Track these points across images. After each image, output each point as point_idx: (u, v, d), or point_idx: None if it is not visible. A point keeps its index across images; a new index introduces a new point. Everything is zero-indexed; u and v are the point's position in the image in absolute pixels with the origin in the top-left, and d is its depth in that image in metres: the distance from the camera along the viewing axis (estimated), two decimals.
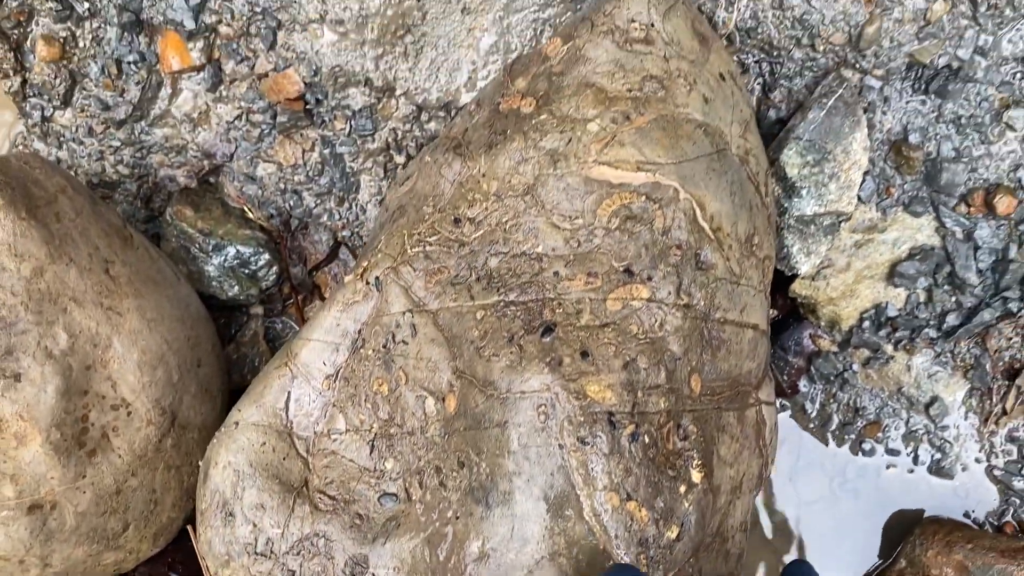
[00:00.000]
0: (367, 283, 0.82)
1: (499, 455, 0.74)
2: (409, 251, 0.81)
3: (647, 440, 0.73)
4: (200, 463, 1.04)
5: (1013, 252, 0.99)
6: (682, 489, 0.74)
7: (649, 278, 0.76)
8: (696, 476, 0.75)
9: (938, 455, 1.08)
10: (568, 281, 0.76)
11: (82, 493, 0.94)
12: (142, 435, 0.96)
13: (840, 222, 0.98)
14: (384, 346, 0.82)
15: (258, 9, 1.00)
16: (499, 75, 0.91)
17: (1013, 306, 1.01)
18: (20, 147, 1.13)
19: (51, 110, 1.09)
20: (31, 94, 1.08)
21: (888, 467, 1.10)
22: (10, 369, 0.86)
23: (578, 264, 0.76)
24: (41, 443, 0.89)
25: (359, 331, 0.83)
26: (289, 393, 0.85)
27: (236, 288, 1.07)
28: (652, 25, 0.82)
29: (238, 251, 1.06)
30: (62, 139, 1.10)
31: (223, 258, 1.06)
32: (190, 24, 1.02)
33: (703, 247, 0.79)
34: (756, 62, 0.97)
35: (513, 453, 0.73)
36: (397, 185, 0.88)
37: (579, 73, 0.81)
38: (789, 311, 1.08)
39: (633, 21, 0.81)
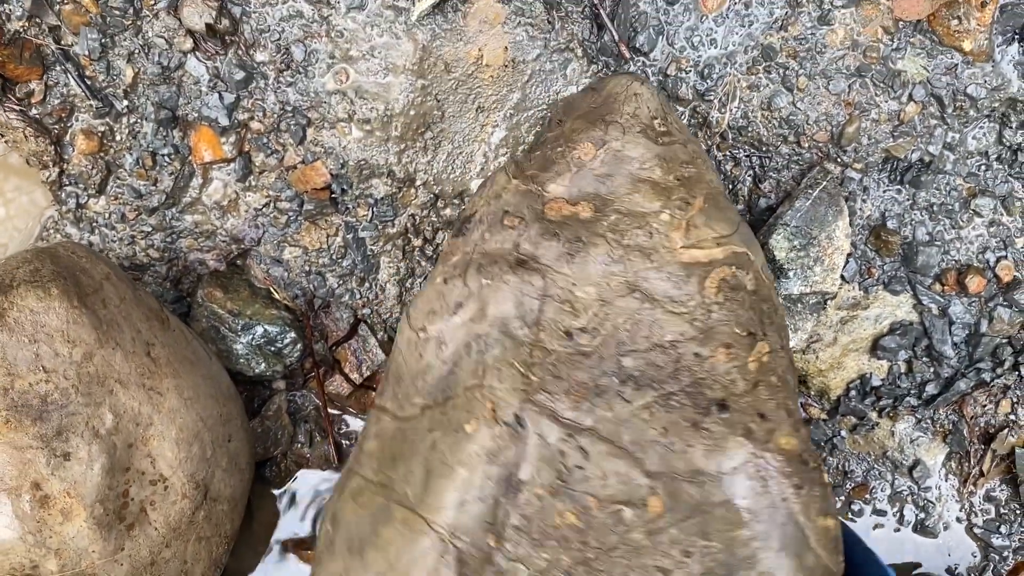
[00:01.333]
0: (506, 424, 0.81)
1: (731, 529, 0.81)
2: (533, 378, 0.81)
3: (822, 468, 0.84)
4: (227, 533, 1.09)
5: (984, 327, 1.08)
6: None
7: (765, 334, 0.85)
8: None
9: (922, 515, 1.15)
10: (712, 359, 0.84)
11: (120, 565, 0.98)
12: (177, 508, 1.01)
13: (825, 301, 1.07)
14: (559, 479, 0.81)
15: (289, 108, 1.08)
16: (500, 184, 0.92)
17: (986, 376, 1.09)
18: (51, 231, 1.19)
19: (86, 198, 1.15)
20: (67, 183, 1.15)
21: (875, 527, 1.17)
22: (61, 449, 0.91)
23: (710, 341, 0.84)
24: (85, 519, 0.93)
25: (511, 476, 0.81)
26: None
27: (263, 365, 1.13)
28: (666, 117, 0.91)
29: (265, 330, 1.12)
30: (95, 224, 1.16)
31: (251, 337, 1.12)
32: (224, 121, 1.09)
33: (769, 295, 0.89)
34: (747, 156, 1.07)
35: (746, 523, 0.80)
36: (445, 316, 0.86)
37: (627, 171, 0.87)
38: None
39: (655, 117, 0.90)
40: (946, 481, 1.15)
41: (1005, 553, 1.14)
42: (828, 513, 0.84)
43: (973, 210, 1.07)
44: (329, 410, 1.19)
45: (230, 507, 1.08)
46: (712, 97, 1.03)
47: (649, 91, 0.92)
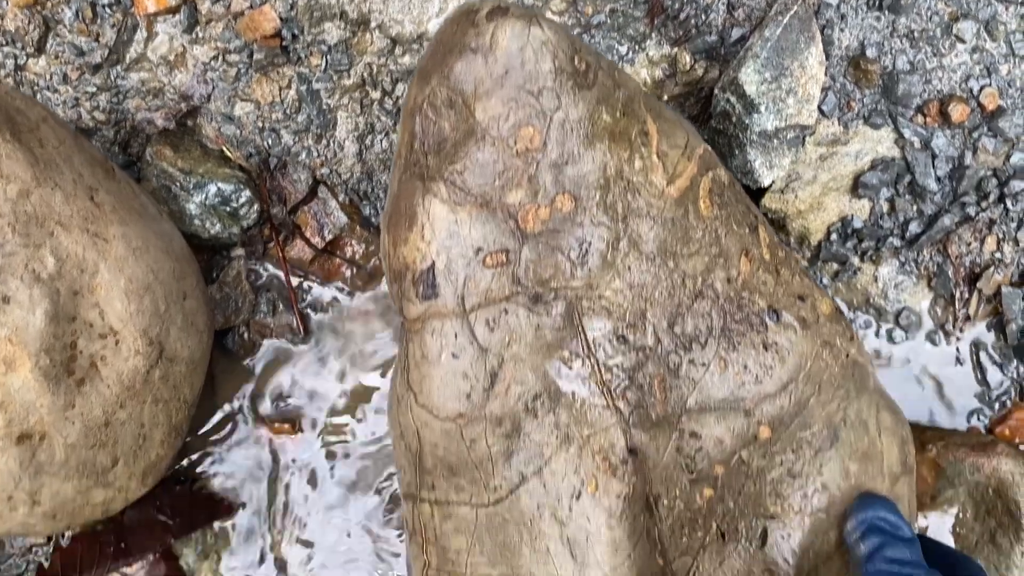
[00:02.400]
0: (623, 463, 0.77)
1: (823, 406, 0.85)
2: (619, 403, 0.78)
3: None
4: (187, 397, 1.05)
5: (968, 159, 1.04)
6: None
7: (755, 215, 0.89)
8: None
9: (911, 363, 1.12)
10: (740, 274, 0.83)
11: (71, 424, 0.94)
12: (130, 365, 0.96)
13: (804, 136, 1.03)
14: (688, 471, 0.82)
15: None
16: (445, 219, 0.75)
17: (971, 211, 1.05)
18: None
19: (24, 58, 1.09)
20: (3, 42, 1.09)
21: None
22: None
23: (729, 257, 0.83)
24: (31, 368, 0.89)
25: (647, 499, 0.80)
26: None
27: (218, 226, 1.08)
28: (577, 48, 0.77)
29: (219, 188, 1.07)
30: (36, 87, 1.10)
31: (204, 196, 1.07)
32: None
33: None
34: None
35: (829, 391, 0.85)
36: (480, 392, 0.77)
37: (580, 135, 0.75)
38: None
39: (572, 58, 0.75)
40: (932, 327, 1.11)
41: (993, 396, 1.11)
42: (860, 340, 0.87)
43: (955, 35, 1.02)
44: (292, 277, 1.14)
45: (188, 369, 1.04)
46: None
47: (553, 31, 0.75)
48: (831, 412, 0.84)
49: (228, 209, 1.08)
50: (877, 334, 1.12)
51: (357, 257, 1.15)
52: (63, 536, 1.08)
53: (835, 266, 1.10)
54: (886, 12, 1.02)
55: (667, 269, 0.78)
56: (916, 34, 1.02)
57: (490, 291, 0.75)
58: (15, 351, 0.88)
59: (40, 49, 1.08)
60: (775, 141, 1.01)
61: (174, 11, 1.06)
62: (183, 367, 1.03)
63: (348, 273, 1.15)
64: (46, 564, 1.06)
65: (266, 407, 1.16)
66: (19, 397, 0.89)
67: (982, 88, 1.03)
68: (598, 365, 0.76)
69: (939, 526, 1.07)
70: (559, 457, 0.76)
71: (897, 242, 1.08)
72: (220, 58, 1.07)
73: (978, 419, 1.12)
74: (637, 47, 1.05)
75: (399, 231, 0.78)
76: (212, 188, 1.07)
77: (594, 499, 0.75)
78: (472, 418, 0.76)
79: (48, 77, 1.10)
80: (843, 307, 1.11)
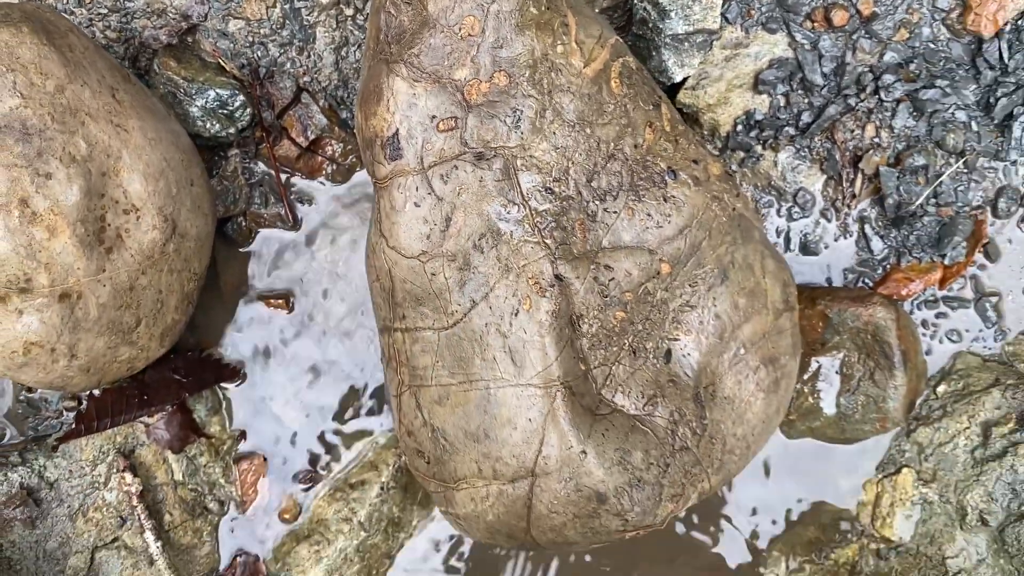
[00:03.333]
0: (551, 287, 0.97)
1: (714, 248, 1.06)
2: (548, 240, 0.98)
3: None
4: (196, 270, 1.24)
5: (849, 57, 1.24)
6: None
7: (660, 96, 1.09)
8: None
9: (805, 237, 1.33)
10: (645, 141, 1.03)
11: (102, 286, 1.13)
12: (149, 238, 1.15)
13: (711, 40, 1.22)
14: (603, 295, 1.01)
15: None
16: (405, 92, 0.95)
17: (852, 102, 1.26)
18: None
19: None
20: None
21: None
22: (42, 169, 1.05)
23: (636, 127, 1.03)
24: (69, 236, 1.07)
25: (572, 316, 1.00)
26: None
27: (217, 126, 1.26)
28: None
29: (217, 94, 1.25)
30: (55, 10, 1.27)
31: (205, 100, 1.25)
32: None
33: (637, 61, 1.10)
34: None
35: (720, 236, 1.07)
36: (438, 233, 0.98)
37: (511, 24, 0.94)
38: None
39: None
40: (825, 204, 1.32)
41: (876, 261, 1.32)
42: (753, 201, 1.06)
43: None
44: (281, 173, 1.33)
45: (197, 245, 1.23)
46: None
47: None
48: (721, 254, 1.05)
49: (225, 112, 1.26)
50: (779, 213, 1.32)
51: (336, 155, 1.34)
52: (94, 392, 1.27)
53: (741, 154, 1.30)
54: None
55: (585, 135, 0.98)
56: None
57: (443, 151, 0.94)
58: (56, 220, 1.07)
59: None
60: (686, 44, 1.20)
61: None
62: (192, 243, 1.22)
63: (329, 169, 1.34)
64: (83, 411, 1.26)
65: (263, 286, 1.36)
66: (60, 260, 1.08)
67: None
68: (530, 210, 0.96)
69: (829, 367, 1.28)
70: (501, 284, 0.96)
71: (792, 131, 1.28)
72: None
73: (863, 281, 1.33)
74: None
75: (369, 106, 0.97)
76: (211, 94, 1.25)
77: (529, 315, 0.96)
78: (432, 255, 0.97)
79: (65, 1, 1.27)
80: (749, 189, 1.32)
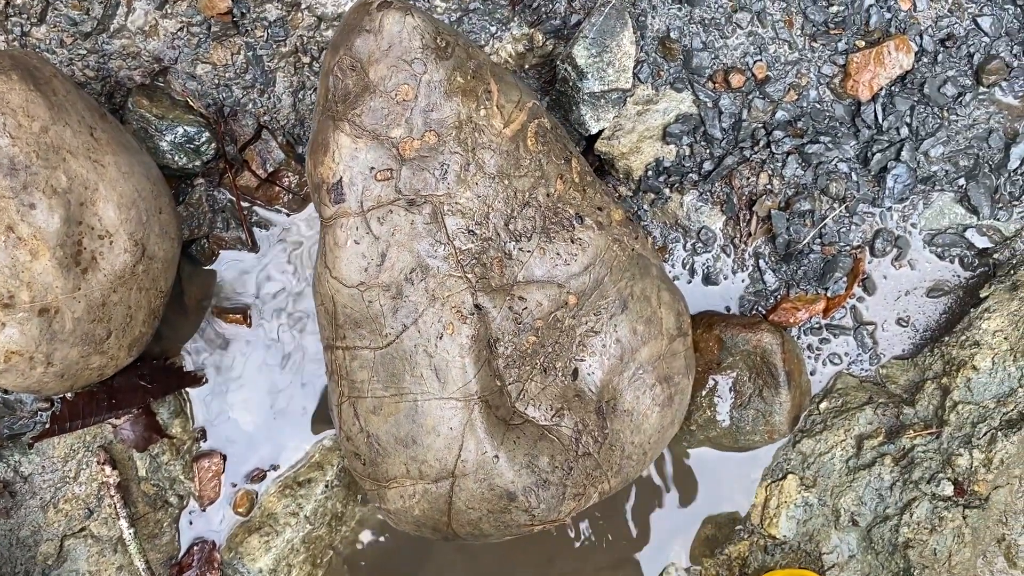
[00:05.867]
0: (471, 314, 1.14)
1: (616, 281, 1.23)
2: (469, 275, 1.15)
3: None
4: (163, 288, 1.38)
5: (745, 115, 1.42)
6: None
7: (571, 152, 1.26)
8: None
9: (707, 269, 1.51)
10: (556, 191, 1.20)
11: (78, 302, 1.27)
12: (121, 260, 1.30)
13: (625, 97, 1.39)
14: (516, 322, 1.17)
15: None
16: (348, 147, 1.10)
17: (747, 153, 1.44)
18: None
19: (29, 27, 1.40)
20: (12, 14, 1.39)
21: (675, 279, 1.51)
22: (27, 200, 1.19)
23: (549, 179, 1.20)
24: (49, 258, 1.21)
25: (489, 340, 1.16)
26: None
27: (184, 159, 1.41)
28: (440, 31, 1.12)
29: (185, 130, 1.40)
30: (38, 50, 1.41)
31: (174, 136, 1.40)
32: None
33: (554, 121, 1.27)
34: None
35: (620, 272, 1.24)
36: (375, 266, 1.14)
37: (441, 91, 1.10)
38: (596, 168, 1.49)
39: (436, 37, 1.10)
40: (724, 241, 1.49)
41: (769, 292, 1.50)
42: (652, 242, 1.23)
43: (735, 23, 1.39)
44: (242, 201, 1.48)
45: (164, 266, 1.37)
46: None
47: (422, 19, 1.10)
48: (621, 288, 1.22)
49: (192, 147, 1.41)
50: (684, 247, 1.50)
51: (292, 186, 1.49)
52: (67, 396, 1.41)
53: (652, 196, 1.47)
54: (685, 4, 1.38)
55: (504, 185, 1.14)
56: (707, 21, 1.39)
57: (380, 197, 1.10)
58: (38, 244, 1.20)
59: (42, 19, 1.39)
60: (602, 100, 1.38)
61: None
62: (160, 264, 1.36)
63: (285, 198, 1.49)
64: (57, 413, 1.39)
65: (222, 302, 1.51)
66: (40, 279, 1.22)
67: (755, 62, 1.41)
68: (455, 249, 1.12)
69: (724, 384, 1.46)
70: (428, 311, 1.12)
71: (696, 177, 1.45)
72: (185, 29, 1.40)
73: (757, 310, 1.51)
74: (503, 27, 1.40)
75: (317, 156, 1.12)
76: (180, 130, 1.40)
77: (452, 338, 1.12)
78: (369, 285, 1.12)
79: (48, 42, 1.41)
80: (659, 227, 1.49)
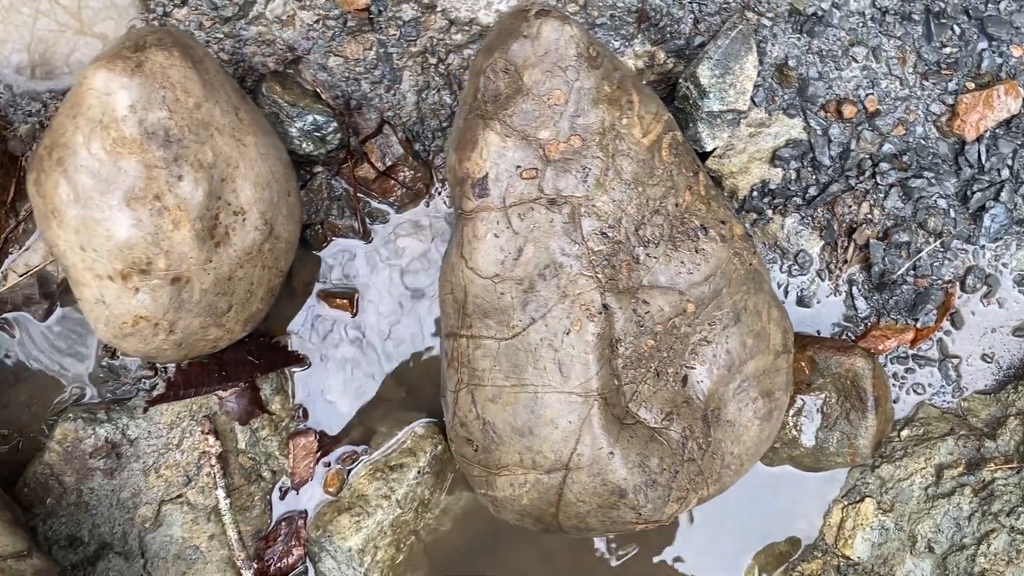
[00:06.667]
0: (599, 314, 1.18)
1: (732, 293, 1.27)
2: (600, 276, 1.20)
3: None
4: (282, 268, 1.43)
5: (853, 145, 1.47)
6: None
7: (698, 166, 1.32)
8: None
9: (801, 292, 1.55)
10: (684, 201, 1.26)
11: (207, 274, 1.32)
12: (251, 237, 1.34)
13: (739, 119, 1.44)
14: (639, 325, 1.21)
15: None
16: (497, 144, 1.16)
17: (852, 182, 1.48)
18: None
19: (171, 8, 1.46)
20: None
21: None
22: (176, 171, 1.24)
23: (678, 189, 1.25)
24: (189, 229, 1.26)
25: (612, 339, 1.21)
26: None
27: (311, 146, 1.46)
28: (591, 42, 1.19)
29: (315, 119, 1.45)
30: (192, 37, 1.46)
31: (304, 123, 1.45)
32: None
33: (683, 137, 1.33)
34: (689, 2, 1.42)
35: (738, 284, 1.29)
36: (512, 260, 1.18)
37: (589, 99, 1.16)
38: None
39: (589, 46, 1.17)
40: (821, 265, 1.54)
41: (859, 319, 1.54)
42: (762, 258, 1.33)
43: (851, 56, 1.44)
44: (358, 191, 1.53)
45: (286, 247, 1.42)
46: None
47: (577, 28, 1.16)
48: (736, 301, 1.26)
49: (319, 135, 1.46)
50: (781, 269, 1.54)
51: (407, 180, 1.54)
52: (182, 365, 1.46)
53: (754, 216, 1.52)
54: (804, 35, 1.43)
55: (637, 192, 1.19)
56: (824, 52, 1.44)
57: (523, 194, 1.15)
58: (181, 215, 1.25)
59: (184, 2, 1.45)
60: (718, 120, 1.42)
61: None
62: (283, 245, 1.41)
63: (399, 192, 1.54)
64: (172, 380, 1.44)
65: (329, 287, 1.55)
66: (178, 249, 1.27)
67: (867, 95, 1.45)
68: (588, 249, 1.17)
69: (812, 405, 1.50)
70: (557, 307, 1.17)
71: (799, 201, 1.50)
72: (321, 22, 1.45)
73: (846, 335, 1.55)
74: (627, 43, 1.45)
75: (464, 151, 1.17)
76: (309, 118, 1.45)
77: (578, 335, 1.17)
78: (504, 278, 1.17)
79: (187, 24, 1.46)
80: (759, 246, 1.54)
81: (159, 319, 1.31)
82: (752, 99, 1.44)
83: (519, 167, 1.15)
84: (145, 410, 1.44)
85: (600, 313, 1.16)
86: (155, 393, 1.48)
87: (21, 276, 1.46)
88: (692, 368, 1.25)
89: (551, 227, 1.15)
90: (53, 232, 1.26)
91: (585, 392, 1.17)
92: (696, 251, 1.22)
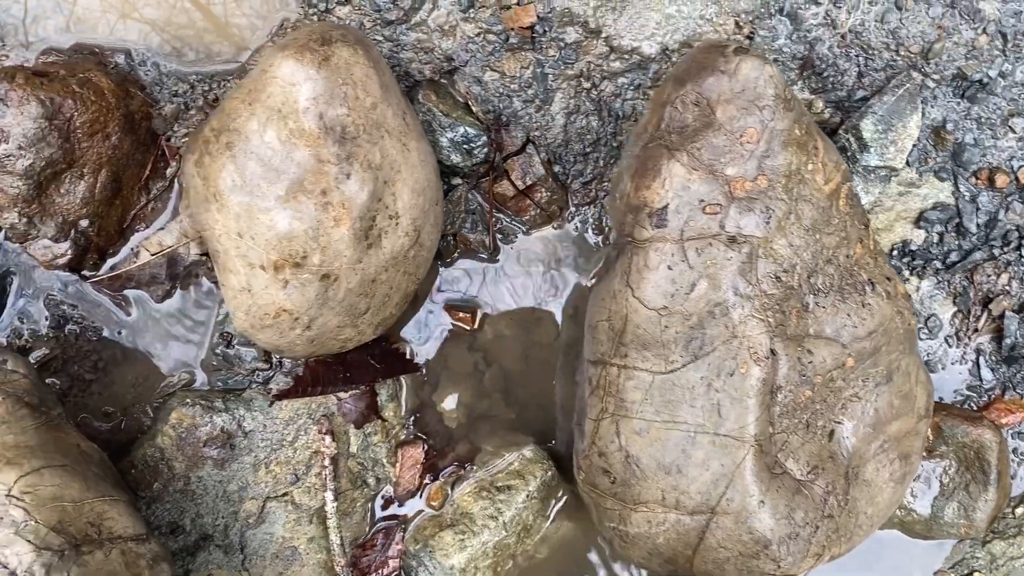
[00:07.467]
0: (766, 359, 1.15)
1: (889, 352, 1.26)
2: (770, 320, 1.18)
3: None
4: (420, 276, 1.42)
5: (1001, 215, 1.46)
6: None
7: (867, 219, 1.30)
8: None
9: (928, 357, 1.53)
10: (855, 253, 1.24)
11: (355, 274, 1.30)
12: (399, 242, 1.33)
13: (892, 176, 1.43)
14: (801, 374, 1.19)
15: None
16: (681, 176, 1.15)
17: (996, 252, 1.47)
18: (288, 30, 1.49)
19: (334, 4, 1.46)
20: None
21: None
22: (346, 169, 1.23)
23: (850, 241, 1.24)
24: (348, 228, 1.25)
25: (773, 386, 1.18)
26: None
27: (458, 158, 1.46)
28: (785, 85, 1.19)
29: (466, 131, 1.45)
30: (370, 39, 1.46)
31: (455, 134, 1.45)
32: None
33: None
34: (856, 55, 1.42)
35: (894, 342, 1.26)
36: (683, 294, 1.15)
37: (780, 141, 1.15)
38: None
39: (785, 88, 1.17)
40: (951, 331, 1.52)
41: (984, 389, 1.52)
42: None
43: (1010, 127, 1.44)
44: (493, 207, 1.52)
45: (427, 255, 1.41)
46: (842, 5, 1.38)
47: (775, 70, 1.15)
48: (891, 360, 1.25)
49: (467, 147, 1.45)
50: None
51: (543, 202, 1.53)
52: (309, 361, 1.44)
53: None
54: (965, 100, 1.43)
55: (814, 239, 1.18)
56: (982, 119, 1.43)
57: (703, 229, 1.14)
58: (343, 213, 1.24)
59: (348, 0, 1.45)
60: (872, 175, 1.42)
61: None
62: (424, 253, 1.40)
63: (533, 212, 1.53)
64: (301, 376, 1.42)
65: (453, 299, 1.54)
66: (334, 246, 1.26)
67: (1021, 167, 1.44)
68: (761, 292, 1.15)
69: (932, 471, 1.48)
70: (722, 347, 1.15)
71: (939, 265, 1.49)
72: (482, 36, 1.45)
73: (968, 404, 1.53)
74: None
75: (644, 180, 1.16)
76: (461, 130, 1.44)
77: (742, 378, 1.15)
78: (672, 311, 1.15)
79: (347, 22, 1.46)
80: None
81: (301, 314, 1.30)
82: (906, 158, 1.43)
83: (702, 201, 1.14)
84: (271, 403, 1.43)
85: (767, 358, 1.15)
86: (274, 386, 1.46)
87: (153, 255, 1.45)
88: (840, 423, 1.23)
89: (728, 265, 1.14)
90: (211, 215, 1.25)
91: (741, 437, 1.15)
92: (862, 305, 1.21)
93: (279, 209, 1.22)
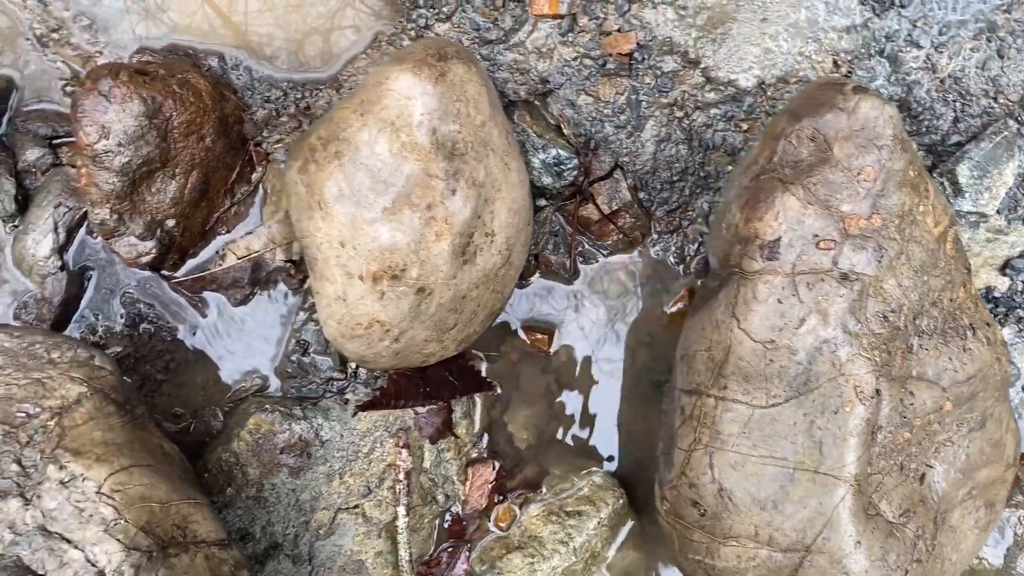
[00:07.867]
0: (871, 398, 1.15)
1: (986, 398, 1.25)
2: (876, 359, 1.16)
3: None
4: (506, 294, 1.41)
5: None
6: None
7: (969, 264, 1.30)
8: None
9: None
10: (958, 297, 1.25)
11: (449, 290, 1.30)
12: (492, 261, 1.33)
13: (981, 222, 1.43)
14: (902, 415, 1.19)
15: None
16: (796, 209, 1.15)
17: None
18: (383, 45, 1.50)
19: (433, 21, 1.47)
20: (421, 5, 1.46)
21: None
22: (452, 185, 1.23)
23: (954, 285, 1.24)
24: (448, 243, 1.25)
25: (874, 427, 1.17)
26: None
27: (549, 179, 1.46)
28: (902, 127, 1.21)
29: (559, 153, 1.45)
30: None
31: (547, 156, 1.45)
32: None
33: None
34: (954, 100, 1.42)
35: (989, 388, 1.26)
36: (792, 329, 1.15)
37: (895, 181, 1.15)
38: None
39: (902, 129, 1.19)
40: None
41: None
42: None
43: None
44: (576, 231, 1.52)
45: (515, 275, 1.41)
46: (944, 50, 1.39)
47: (894, 110, 1.16)
48: (986, 406, 1.24)
49: (558, 169, 1.46)
50: None
51: (626, 227, 1.53)
52: (392, 374, 1.43)
53: None
54: None
55: (922, 281, 1.18)
56: None
57: (816, 265, 1.14)
58: (444, 229, 1.24)
59: (448, 17, 1.46)
60: (962, 220, 1.42)
61: (560, 17, 1.44)
62: (513, 272, 1.40)
63: (615, 238, 1.53)
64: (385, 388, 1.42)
65: (530, 320, 1.54)
66: (433, 260, 1.25)
67: None
68: (869, 330, 1.15)
69: (1006, 521, 1.47)
70: (827, 384, 1.15)
71: (1021, 313, 1.48)
72: (579, 60, 1.46)
73: None
74: None
75: (756, 211, 1.16)
76: (553, 152, 1.45)
77: (847, 416, 1.14)
78: (778, 345, 1.15)
79: (447, 39, 1.47)
80: None
81: (393, 326, 1.29)
82: (998, 205, 1.44)
83: (816, 236, 1.13)
84: (354, 414, 1.42)
85: (872, 397, 1.14)
86: (351, 396, 1.45)
87: (240, 259, 1.45)
88: (931, 467, 1.23)
89: (838, 302, 1.14)
90: (314, 223, 1.25)
91: (841, 476, 1.14)
92: (964, 350, 1.21)
93: (384, 221, 1.22)
